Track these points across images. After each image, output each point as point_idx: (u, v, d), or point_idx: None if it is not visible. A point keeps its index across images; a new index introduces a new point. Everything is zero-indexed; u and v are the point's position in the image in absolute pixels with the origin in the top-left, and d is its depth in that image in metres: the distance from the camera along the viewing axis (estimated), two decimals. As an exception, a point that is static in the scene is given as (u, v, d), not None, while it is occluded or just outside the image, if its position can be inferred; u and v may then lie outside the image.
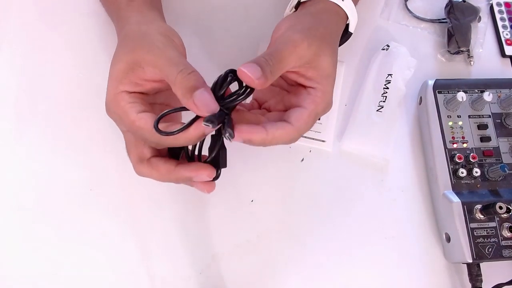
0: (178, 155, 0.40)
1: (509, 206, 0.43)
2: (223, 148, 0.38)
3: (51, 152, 0.49)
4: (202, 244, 0.47)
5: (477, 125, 0.50)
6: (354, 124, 0.52)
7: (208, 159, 0.38)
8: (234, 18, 0.57)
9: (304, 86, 0.40)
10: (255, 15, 0.57)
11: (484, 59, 0.57)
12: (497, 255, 0.44)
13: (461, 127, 0.49)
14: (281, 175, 0.50)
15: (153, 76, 0.37)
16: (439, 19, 0.58)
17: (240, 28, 0.56)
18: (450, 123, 0.50)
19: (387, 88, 0.53)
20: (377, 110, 0.52)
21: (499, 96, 0.51)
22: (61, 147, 0.49)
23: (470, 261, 0.44)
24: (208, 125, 0.33)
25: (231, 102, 0.35)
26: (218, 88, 0.35)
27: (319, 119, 0.51)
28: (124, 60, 0.37)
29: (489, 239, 0.44)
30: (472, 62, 0.56)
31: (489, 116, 0.50)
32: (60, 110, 0.51)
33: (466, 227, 0.44)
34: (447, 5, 0.57)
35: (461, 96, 0.48)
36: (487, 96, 0.48)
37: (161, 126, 0.35)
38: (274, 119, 0.39)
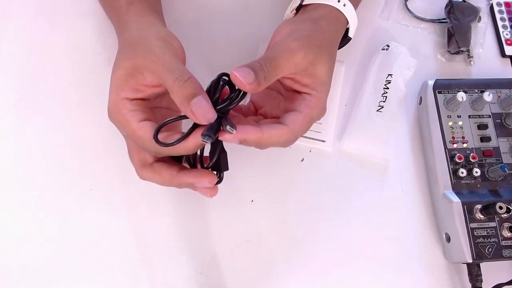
0: (181, 159, 0.41)
1: (509, 206, 0.43)
2: (223, 152, 0.38)
3: (51, 152, 0.49)
4: (202, 244, 0.47)
5: (477, 125, 0.50)
6: (354, 124, 0.52)
7: (210, 164, 0.38)
8: (234, 19, 0.57)
9: (299, 92, 0.40)
10: (255, 16, 0.57)
11: (484, 59, 0.57)
12: (497, 255, 0.44)
13: (461, 127, 0.49)
14: (281, 175, 0.50)
15: (153, 81, 0.38)
16: (439, 19, 0.58)
17: (240, 29, 0.56)
18: (450, 123, 0.50)
19: (387, 88, 0.53)
20: (377, 110, 0.52)
21: (499, 96, 0.51)
22: (61, 147, 0.49)
23: (470, 261, 0.44)
24: (206, 142, 0.34)
25: (226, 106, 0.36)
26: (212, 93, 0.36)
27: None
28: (124, 66, 0.38)
29: (489, 239, 0.44)
30: (472, 62, 0.56)
31: (489, 116, 0.50)
32: (60, 110, 0.51)
33: (466, 227, 0.44)
34: (447, 5, 0.57)
35: (461, 96, 0.48)
36: (487, 96, 0.48)
37: (161, 135, 0.35)
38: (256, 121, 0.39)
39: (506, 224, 0.44)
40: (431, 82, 0.51)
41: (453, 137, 0.49)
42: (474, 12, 0.57)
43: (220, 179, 0.39)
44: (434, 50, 0.57)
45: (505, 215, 0.44)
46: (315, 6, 0.44)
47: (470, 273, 0.45)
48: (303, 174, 0.51)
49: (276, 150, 0.50)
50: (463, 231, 0.44)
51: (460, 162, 0.48)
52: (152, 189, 0.48)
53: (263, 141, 0.36)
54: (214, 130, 0.34)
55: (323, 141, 0.51)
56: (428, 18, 0.59)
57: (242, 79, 0.34)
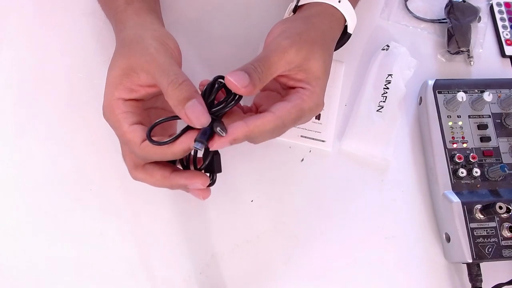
0: (175, 161, 0.40)
1: (509, 206, 0.43)
2: (216, 154, 0.38)
3: (51, 152, 0.49)
4: (202, 244, 0.47)
5: (477, 125, 0.50)
6: (354, 124, 0.52)
7: (203, 166, 0.38)
8: (234, 19, 0.57)
9: (294, 87, 0.40)
10: (255, 15, 0.57)
11: (484, 59, 0.57)
12: (497, 255, 0.44)
13: (461, 127, 0.49)
14: (281, 175, 0.50)
15: (147, 81, 0.37)
16: (439, 19, 0.58)
17: (240, 29, 0.56)
18: (450, 123, 0.50)
19: (387, 88, 0.53)
20: (377, 110, 0.52)
21: (499, 96, 0.51)
22: (61, 147, 0.49)
23: (470, 261, 0.44)
24: (199, 149, 0.34)
25: (220, 110, 0.36)
26: (208, 96, 0.36)
27: (318, 119, 0.51)
28: (119, 66, 0.38)
29: (489, 239, 0.44)
30: (472, 62, 0.56)
31: (489, 116, 0.50)
32: (60, 110, 0.51)
33: (466, 227, 0.44)
34: (447, 5, 0.57)
35: (461, 96, 0.48)
36: (487, 96, 0.48)
37: (145, 143, 0.35)
38: None
39: (506, 224, 0.44)
40: (431, 82, 0.51)
41: (453, 137, 0.49)
42: (474, 12, 0.57)
43: (213, 181, 0.39)
44: (434, 50, 0.57)
45: (505, 215, 0.44)
46: (309, 5, 0.44)
47: (470, 273, 0.45)
48: (303, 174, 0.51)
49: (276, 151, 0.51)
50: (463, 231, 0.44)
51: (460, 162, 0.48)
52: (152, 189, 0.47)
53: (250, 132, 0.35)
54: (207, 136, 0.34)
55: (323, 141, 0.51)
56: (428, 18, 0.59)
57: (236, 83, 0.34)
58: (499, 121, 0.50)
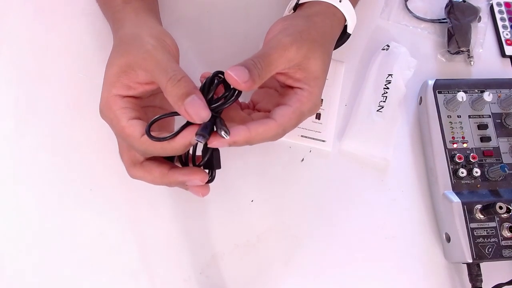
0: (173, 158, 0.40)
1: (509, 206, 0.43)
2: (216, 150, 0.38)
3: (51, 152, 0.49)
4: (202, 244, 0.47)
5: (477, 125, 0.50)
6: (354, 124, 0.52)
7: (202, 162, 0.38)
8: (234, 18, 0.57)
9: (292, 87, 0.40)
10: (255, 15, 0.57)
11: (484, 59, 0.57)
12: (497, 255, 0.44)
13: (461, 127, 0.49)
14: (281, 175, 0.50)
15: (145, 79, 0.37)
16: (439, 19, 0.58)
17: (240, 28, 0.56)
18: (450, 123, 0.50)
19: (387, 88, 0.53)
20: (377, 110, 0.52)
21: (499, 96, 0.51)
22: (61, 147, 0.49)
23: (470, 261, 0.44)
24: (200, 141, 0.34)
25: (220, 106, 0.35)
26: (206, 91, 0.35)
27: (318, 119, 0.51)
28: (117, 63, 0.38)
29: (489, 239, 0.44)
30: (472, 62, 0.56)
31: (489, 116, 0.50)
32: (60, 110, 0.51)
33: (466, 227, 0.44)
34: (447, 5, 0.57)
35: (461, 96, 0.48)
36: (487, 96, 0.48)
37: (152, 134, 0.35)
38: (259, 119, 0.39)
39: (506, 224, 0.44)
40: (431, 82, 0.51)
41: (453, 137, 0.49)
42: (474, 12, 0.57)
43: (212, 178, 0.38)
44: (434, 50, 0.57)
45: (505, 215, 0.44)
46: (310, 4, 0.44)
47: (470, 273, 0.45)
48: (303, 174, 0.51)
49: (276, 151, 0.51)
50: (463, 231, 0.44)
51: (460, 162, 0.48)
52: (152, 189, 0.48)
53: (252, 139, 0.36)
54: (208, 130, 0.34)
55: (323, 141, 0.51)
56: (428, 18, 0.59)
57: (237, 78, 0.34)
58: (499, 121, 0.50)
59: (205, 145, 0.37)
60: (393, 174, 0.51)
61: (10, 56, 0.53)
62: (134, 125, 0.36)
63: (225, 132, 0.34)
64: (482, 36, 0.58)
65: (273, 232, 0.48)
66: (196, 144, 0.36)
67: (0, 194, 0.48)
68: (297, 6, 0.45)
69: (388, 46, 0.54)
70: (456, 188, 0.47)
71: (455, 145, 0.49)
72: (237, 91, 0.36)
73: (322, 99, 0.52)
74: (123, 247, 0.46)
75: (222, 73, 0.36)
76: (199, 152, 0.39)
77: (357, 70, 0.55)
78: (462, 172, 0.47)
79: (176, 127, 0.36)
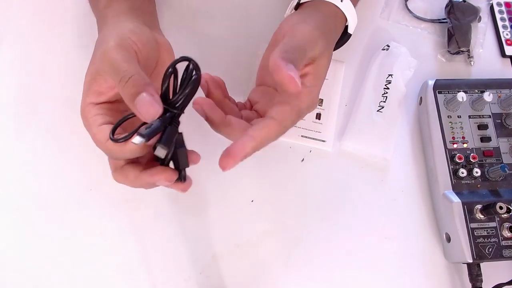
0: (162, 161, 0.37)
1: (509, 206, 0.43)
2: (180, 147, 0.36)
3: (51, 152, 0.49)
4: (202, 244, 0.47)
5: (477, 125, 0.50)
6: (354, 124, 0.52)
7: (165, 162, 0.36)
8: (234, 19, 0.57)
9: None
10: (255, 16, 0.57)
11: (484, 59, 0.57)
12: (497, 255, 0.44)
13: (461, 127, 0.49)
14: (281, 175, 0.50)
15: (112, 82, 0.36)
16: (439, 19, 0.58)
17: (240, 29, 0.56)
18: (450, 123, 0.49)
19: (388, 88, 0.53)
20: (377, 110, 0.52)
21: (499, 96, 0.51)
22: (61, 147, 0.49)
23: (470, 261, 0.44)
24: (136, 143, 0.31)
25: (179, 98, 0.33)
26: (162, 85, 0.33)
27: (318, 119, 0.51)
28: (89, 72, 0.37)
29: (489, 239, 0.44)
30: (472, 62, 0.56)
31: (489, 116, 0.50)
32: (60, 110, 0.51)
33: (466, 227, 0.44)
34: (447, 5, 0.57)
35: (461, 96, 0.48)
36: (487, 96, 0.48)
37: (108, 142, 0.34)
38: (249, 118, 0.39)
39: (506, 224, 0.44)
40: (431, 82, 0.51)
41: (453, 137, 0.49)
42: (474, 12, 0.57)
43: (181, 176, 0.36)
44: (434, 50, 0.57)
45: (505, 215, 0.44)
46: (312, 3, 0.44)
47: (470, 273, 0.45)
48: (303, 174, 0.51)
49: (276, 151, 0.50)
50: (463, 231, 0.44)
51: (460, 162, 0.48)
52: (152, 189, 0.48)
53: (258, 145, 0.35)
54: (152, 130, 0.32)
55: (323, 141, 0.51)
56: (428, 18, 0.59)
57: (296, 80, 0.33)
58: (499, 121, 0.50)
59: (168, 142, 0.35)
60: (393, 174, 0.51)
61: (10, 56, 0.53)
62: (102, 130, 0.36)
63: (162, 147, 0.32)
64: (482, 36, 0.58)
65: (273, 232, 0.48)
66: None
67: (0, 194, 0.48)
68: (298, 6, 0.45)
69: (388, 46, 0.54)
70: (456, 188, 0.47)
71: (455, 145, 0.49)
72: (193, 76, 0.33)
73: (322, 99, 0.52)
74: (123, 247, 0.46)
75: (188, 59, 0.33)
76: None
77: (357, 70, 0.55)
78: (462, 172, 0.47)
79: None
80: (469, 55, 0.56)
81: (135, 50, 0.37)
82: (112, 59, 0.35)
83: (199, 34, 0.55)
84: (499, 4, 0.60)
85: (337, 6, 0.43)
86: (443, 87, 0.51)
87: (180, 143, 0.35)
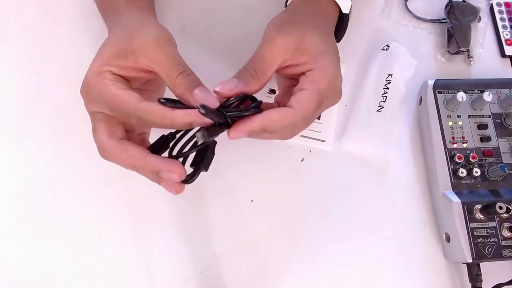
0: (158, 152, 0.38)
1: (509, 206, 0.43)
2: (211, 147, 0.36)
3: (50, 152, 0.49)
4: (202, 244, 0.47)
5: (477, 125, 0.50)
6: (354, 124, 0.52)
7: (192, 151, 0.35)
8: (234, 19, 0.57)
9: (304, 73, 0.38)
10: (255, 16, 0.57)
11: (484, 59, 0.57)
12: (497, 255, 0.44)
13: (461, 127, 0.49)
14: (281, 175, 0.50)
15: (143, 67, 0.37)
16: (439, 19, 0.58)
17: (240, 29, 0.56)
18: (450, 123, 0.50)
19: (387, 88, 0.53)
20: (377, 110, 0.52)
21: (499, 96, 0.51)
22: (60, 147, 0.49)
23: (470, 261, 0.44)
24: (202, 111, 0.31)
25: (233, 113, 0.35)
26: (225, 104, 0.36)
27: (318, 119, 0.51)
28: (118, 44, 0.37)
29: (489, 239, 0.44)
30: (472, 62, 0.56)
31: (489, 116, 0.50)
32: (60, 110, 0.51)
33: (466, 227, 0.44)
34: (447, 5, 0.57)
35: (461, 96, 0.48)
36: (487, 96, 0.48)
37: (144, 103, 0.35)
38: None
39: (506, 224, 0.44)
40: (431, 82, 0.51)
41: (453, 137, 0.49)
42: (474, 12, 0.57)
43: (190, 178, 0.35)
44: (434, 50, 0.57)
45: (505, 215, 0.44)
46: None
47: (470, 273, 0.45)
48: (303, 174, 0.51)
49: (276, 150, 0.51)
50: (463, 231, 0.44)
51: (460, 162, 0.48)
52: (152, 189, 0.48)
53: (267, 126, 0.35)
54: (211, 132, 0.33)
55: (323, 141, 0.51)
56: (428, 18, 0.59)
57: (220, 89, 0.35)
58: (499, 121, 0.50)
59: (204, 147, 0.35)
60: (393, 174, 0.51)
61: (10, 56, 0.53)
62: (131, 92, 0.35)
63: (202, 136, 0.32)
64: (482, 36, 0.58)
65: (273, 232, 0.48)
66: (188, 140, 0.35)
67: (0, 194, 0.48)
68: (286, 4, 0.46)
69: (388, 46, 0.54)
70: (456, 188, 0.47)
71: (455, 145, 0.49)
72: (253, 106, 0.36)
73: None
74: (123, 247, 0.46)
75: (253, 98, 0.37)
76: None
77: (357, 70, 0.55)
78: (462, 172, 0.47)
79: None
80: (468, 55, 0.56)
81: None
82: (170, 52, 0.37)
83: (199, 35, 0.56)
84: (499, 4, 0.60)
85: None
86: (443, 87, 0.51)
87: (213, 147, 0.36)
